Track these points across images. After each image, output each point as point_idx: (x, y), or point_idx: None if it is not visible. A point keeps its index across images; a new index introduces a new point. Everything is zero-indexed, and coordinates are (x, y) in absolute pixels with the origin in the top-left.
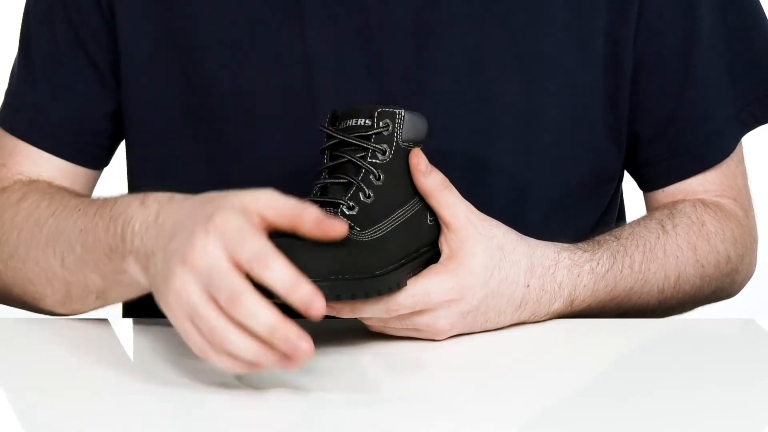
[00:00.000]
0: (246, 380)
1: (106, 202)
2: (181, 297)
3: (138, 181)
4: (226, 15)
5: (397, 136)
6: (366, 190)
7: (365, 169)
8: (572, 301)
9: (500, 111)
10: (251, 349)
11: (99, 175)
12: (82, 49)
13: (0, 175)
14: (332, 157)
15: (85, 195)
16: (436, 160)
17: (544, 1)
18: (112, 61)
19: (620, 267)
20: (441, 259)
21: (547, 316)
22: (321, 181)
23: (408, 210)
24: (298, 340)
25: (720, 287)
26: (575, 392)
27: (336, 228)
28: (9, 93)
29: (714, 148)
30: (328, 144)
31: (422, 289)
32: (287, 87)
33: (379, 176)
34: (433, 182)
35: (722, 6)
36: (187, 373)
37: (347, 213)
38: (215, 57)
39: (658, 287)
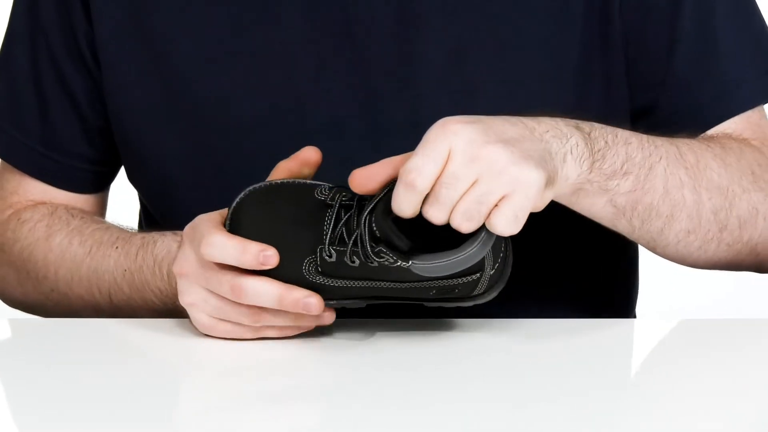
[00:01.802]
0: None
1: (146, 241)
2: (195, 309)
3: (141, 191)
4: (202, 20)
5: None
6: (352, 257)
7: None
8: (580, 129)
9: (482, 102)
10: (283, 318)
11: (103, 197)
12: (58, 77)
13: (12, 200)
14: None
15: (102, 217)
16: None
17: None
18: (91, 84)
19: (624, 134)
20: None
21: (577, 155)
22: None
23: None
24: (306, 298)
25: (759, 207)
26: (576, 392)
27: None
28: None
29: (724, 102)
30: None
31: (419, 146)
32: (268, 88)
33: (373, 261)
34: (384, 165)
35: None
36: (188, 373)
37: (322, 257)
38: (193, 63)
39: (675, 156)
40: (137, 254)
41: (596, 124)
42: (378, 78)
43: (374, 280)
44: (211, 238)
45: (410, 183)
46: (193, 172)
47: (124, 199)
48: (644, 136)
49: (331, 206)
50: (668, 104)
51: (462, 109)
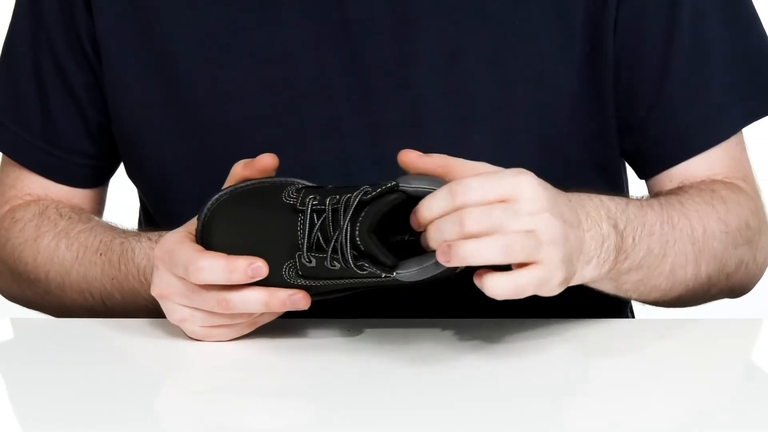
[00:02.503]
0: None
1: (125, 248)
2: (186, 324)
3: (139, 188)
4: (202, 18)
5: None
6: (332, 262)
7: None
8: (617, 228)
9: (477, 101)
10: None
11: (102, 192)
12: (59, 73)
13: (9, 194)
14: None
15: (94, 214)
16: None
17: None
18: (92, 80)
19: (638, 204)
20: None
21: (603, 258)
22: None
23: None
24: (291, 297)
25: (744, 258)
26: (576, 392)
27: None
28: None
29: (711, 127)
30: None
31: (486, 174)
32: (266, 87)
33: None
34: (439, 158)
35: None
36: (187, 372)
37: (301, 262)
38: (192, 60)
39: (688, 234)
40: (119, 262)
41: (630, 212)
42: (375, 78)
43: (356, 278)
44: (198, 263)
45: (456, 192)
46: (191, 171)
47: (124, 197)
48: (665, 216)
49: (302, 211)
50: (656, 126)
51: (459, 110)
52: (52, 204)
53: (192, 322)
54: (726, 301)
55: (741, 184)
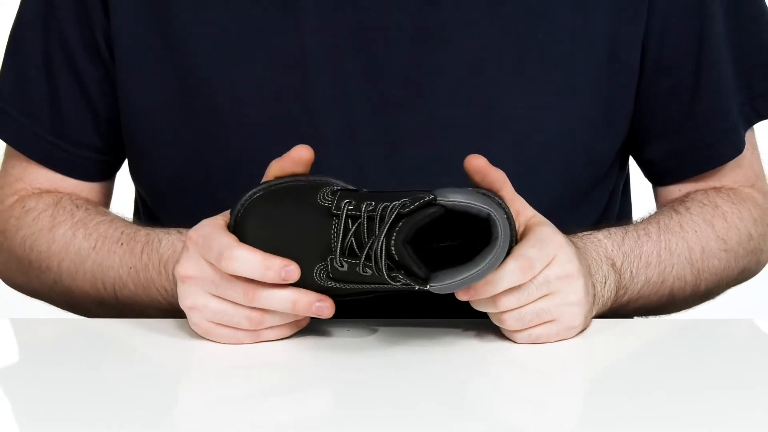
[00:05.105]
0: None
1: (150, 239)
2: (195, 313)
3: (145, 189)
4: (221, 21)
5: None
6: (364, 269)
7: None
8: (615, 266)
9: (499, 114)
10: (281, 316)
11: (109, 186)
12: (70, 66)
13: (17, 186)
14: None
15: (107, 206)
16: (434, 164)
17: (546, 1)
18: (104, 75)
19: (635, 235)
20: (525, 235)
21: (606, 297)
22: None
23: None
24: (319, 302)
25: (746, 266)
26: (576, 392)
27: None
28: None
29: (730, 142)
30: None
31: (536, 238)
32: (283, 92)
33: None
34: (501, 174)
35: (731, 2)
36: (188, 373)
37: (333, 266)
38: (210, 63)
39: (686, 258)
40: (142, 252)
41: (626, 246)
42: (393, 86)
43: (386, 284)
44: (233, 252)
45: (526, 268)
46: (203, 171)
47: (122, 197)
48: (662, 244)
49: (337, 215)
50: (686, 136)
51: (479, 120)
52: (65, 195)
53: (201, 312)
54: (726, 301)
55: (748, 191)
